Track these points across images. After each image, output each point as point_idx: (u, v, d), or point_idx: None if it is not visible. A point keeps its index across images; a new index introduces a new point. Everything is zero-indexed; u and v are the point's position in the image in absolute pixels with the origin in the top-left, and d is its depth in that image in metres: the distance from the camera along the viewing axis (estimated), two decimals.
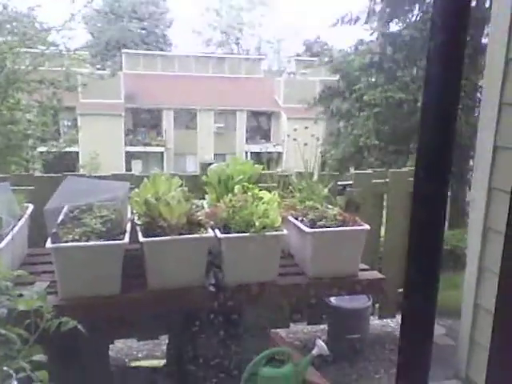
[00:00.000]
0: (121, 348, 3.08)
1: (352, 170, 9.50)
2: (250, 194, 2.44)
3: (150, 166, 23.54)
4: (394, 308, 3.49)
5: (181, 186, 2.43)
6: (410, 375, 0.78)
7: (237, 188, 2.50)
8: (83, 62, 12.71)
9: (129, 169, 23.14)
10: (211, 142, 26.98)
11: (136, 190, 2.39)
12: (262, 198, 2.42)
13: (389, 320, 3.54)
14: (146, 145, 26.33)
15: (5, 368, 1.37)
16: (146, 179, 2.42)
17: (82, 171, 15.58)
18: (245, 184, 2.58)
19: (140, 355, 3.02)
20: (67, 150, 15.47)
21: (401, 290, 3.15)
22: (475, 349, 2.64)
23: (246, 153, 25.64)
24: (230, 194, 2.43)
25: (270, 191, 2.55)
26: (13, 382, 1.35)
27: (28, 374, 1.31)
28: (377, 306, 3.43)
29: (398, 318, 3.51)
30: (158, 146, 26.45)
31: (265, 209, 2.31)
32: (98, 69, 18.08)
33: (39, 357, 1.37)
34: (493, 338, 0.91)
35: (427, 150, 0.75)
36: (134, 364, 2.84)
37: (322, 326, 3.36)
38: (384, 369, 2.88)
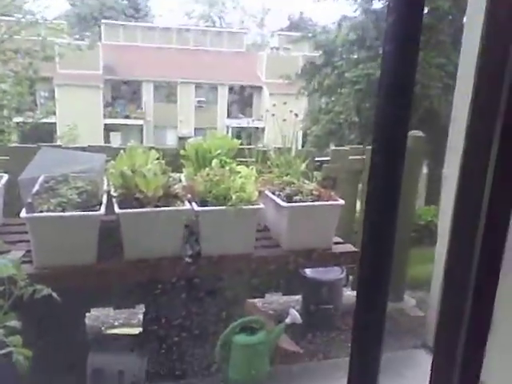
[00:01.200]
0: (97, 316, 3.11)
1: (332, 147, 9.54)
2: (227, 168, 2.46)
3: (129, 139, 23.21)
4: None
5: (158, 159, 2.43)
6: (364, 336, 0.83)
7: (214, 162, 2.51)
8: (61, 31, 12.36)
9: (108, 141, 22.79)
10: (192, 115, 26.67)
11: (112, 162, 2.39)
12: (239, 173, 2.44)
13: None
14: (125, 117, 25.91)
15: None
16: (122, 151, 2.42)
17: (59, 142, 15.30)
18: (222, 158, 2.59)
19: (116, 323, 3.07)
20: (44, 120, 15.16)
21: None
22: None
23: (228, 127, 25.47)
24: (207, 168, 2.45)
25: (247, 166, 2.57)
26: None
27: (1, 338, 1.34)
28: (351, 277, 3.51)
29: None
30: (137, 118, 26.05)
31: (242, 183, 2.34)
32: (77, 39, 17.59)
33: (13, 323, 1.40)
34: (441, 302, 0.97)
35: (382, 125, 0.78)
36: (110, 331, 2.88)
37: (296, 297, 3.43)
38: None
